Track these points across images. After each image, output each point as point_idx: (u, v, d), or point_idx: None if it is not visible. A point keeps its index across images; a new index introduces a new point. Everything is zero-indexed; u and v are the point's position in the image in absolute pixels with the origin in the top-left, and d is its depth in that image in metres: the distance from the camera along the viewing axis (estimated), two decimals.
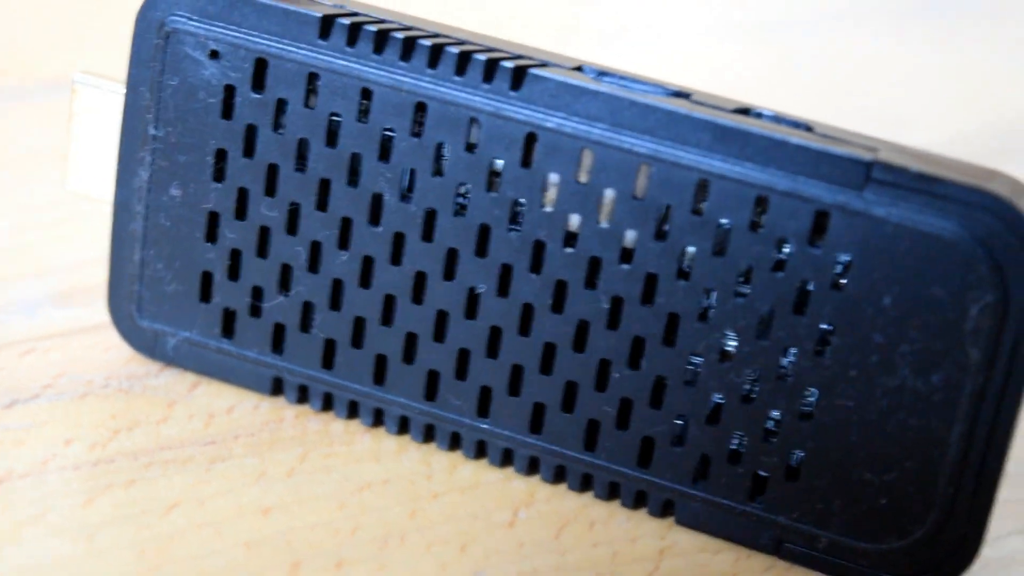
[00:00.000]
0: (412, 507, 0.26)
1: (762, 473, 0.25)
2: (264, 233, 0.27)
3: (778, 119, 0.25)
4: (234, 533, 0.25)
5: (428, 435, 0.27)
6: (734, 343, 0.25)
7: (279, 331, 0.27)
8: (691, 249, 0.25)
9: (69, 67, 0.37)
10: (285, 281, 0.27)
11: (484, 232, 0.26)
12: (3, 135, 0.36)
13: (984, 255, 0.23)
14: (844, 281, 0.24)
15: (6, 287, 0.30)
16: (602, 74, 0.25)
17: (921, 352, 0.24)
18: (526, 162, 0.25)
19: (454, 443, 0.27)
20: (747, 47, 0.50)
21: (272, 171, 0.26)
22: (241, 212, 0.27)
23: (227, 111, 0.26)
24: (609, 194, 0.25)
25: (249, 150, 0.26)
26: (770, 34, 0.52)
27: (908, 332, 0.24)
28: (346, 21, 0.26)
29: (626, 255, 0.25)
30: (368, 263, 0.26)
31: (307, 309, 0.27)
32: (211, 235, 0.27)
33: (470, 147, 0.25)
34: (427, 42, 0.25)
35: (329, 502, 0.26)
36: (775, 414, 0.25)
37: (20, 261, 0.31)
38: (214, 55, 0.26)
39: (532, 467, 0.27)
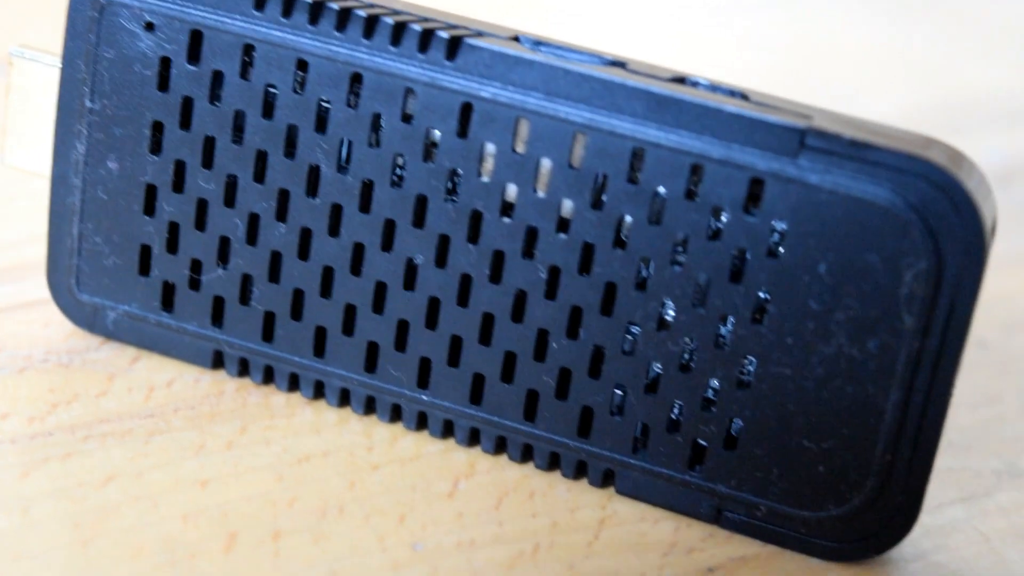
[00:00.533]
0: (351, 479, 0.26)
1: (701, 442, 0.25)
2: (202, 206, 0.27)
3: (714, 88, 0.25)
4: (171, 505, 0.25)
5: (369, 407, 0.27)
6: (672, 312, 0.25)
7: (218, 304, 0.27)
8: (628, 218, 0.25)
9: (8, 45, 0.37)
10: (224, 254, 0.27)
11: (421, 203, 0.26)
12: None
13: (918, 221, 0.23)
14: (780, 249, 0.24)
15: None
16: (538, 44, 0.25)
17: (857, 319, 0.24)
18: (462, 132, 0.25)
19: (395, 415, 0.27)
20: (705, 24, 0.50)
21: (209, 143, 0.26)
22: (179, 185, 0.27)
23: (163, 83, 0.26)
24: (546, 164, 0.25)
25: (186, 122, 0.26)
26: (730, 10, 0.52)
27: (843, 299, 0.24)
28: None
29: (563, 224, 0.25)
30: (306, 235, 0.26)
31: (246, 282, 0.27)
32: (149, 208, 0.27)
33: (406, 118, 0.25)
34: (362, 12, 0.25)
35: (267, 474, 0.26)
36: (713, 383, 0.25)
37: None
38: (149, 27, 0.26)
39: (473, 438, 0.27)
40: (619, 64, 0.25)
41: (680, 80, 0.25)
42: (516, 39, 0.25)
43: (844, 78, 0.46)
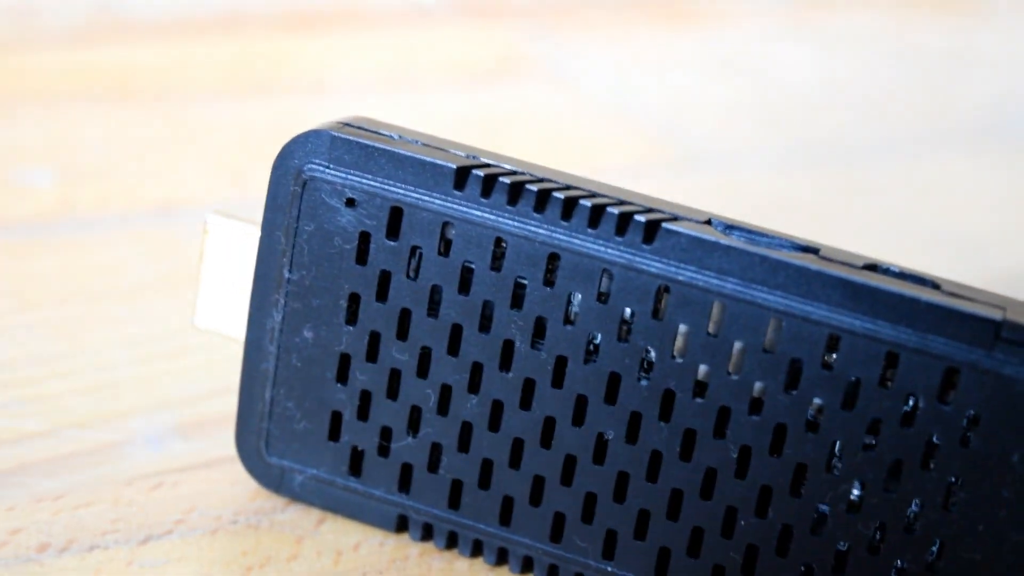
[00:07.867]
0: None
1: None
2: (395, 375, 0.27)
3: (903, 275, 0.25)
4: None
5: (551, 575, 0.28)
6: (860, 494, 0.25)
7: (406, 471, 0.28)
8: (819, 401, 0.25)
9: (169, 194, 0.38)
10: (414, 422, 0.28)
11: (614, 380, 0.26)
12: (113, 264, 0.37)
13: None
14: (971, 437, 0.25)
15: (130, 419, 0.31)
16: (730, 227, 0.26)
17: None
18: (656, 313, 0.26)
19: None
20: (818, 173, 0.51)
21: (404, 316, 0.27)
22: (372, 354, 0.27)
23: (362, 257, 0.27)
24: (738, 346, 0.26)
25: (382, 295, 0.27)
26: (842, 159, 0.52)
27: None
28: (481, 172, 0.26)
29: (755, 405, 0.26)
30: (497, 407, 0.27)
31: (435, 450, 0.28)
32: (342, 376, 0.28)
33: (602, 297, 0.26)
34: (560, 194, 0.26)
35: None
36: (901, 564, 0.25)
37: (143, 393, 0.32)
38: (351, 203, 0.27)
39: None
40: (812, 250, 0.26)
41: (872, 267, 0.26)
42: (708, 222, 0.26)
43: (974, 228, 0.47)
